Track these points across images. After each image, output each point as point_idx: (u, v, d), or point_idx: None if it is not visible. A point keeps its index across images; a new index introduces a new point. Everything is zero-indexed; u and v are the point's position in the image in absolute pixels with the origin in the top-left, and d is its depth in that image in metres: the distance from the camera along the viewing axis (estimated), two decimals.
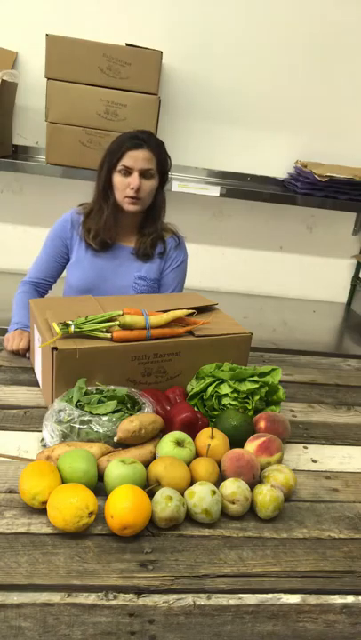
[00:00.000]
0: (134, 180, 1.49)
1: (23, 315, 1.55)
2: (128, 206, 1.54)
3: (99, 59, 1.96)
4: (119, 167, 1.50)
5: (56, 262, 1.65)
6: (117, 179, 1.52)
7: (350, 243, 2.68)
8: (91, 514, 0.86)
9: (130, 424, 1.03)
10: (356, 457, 1.20)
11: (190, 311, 1.29)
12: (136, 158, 1.48)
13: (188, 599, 0.79)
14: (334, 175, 2.16)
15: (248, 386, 1.18)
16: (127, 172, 1.50)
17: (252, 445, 1.08)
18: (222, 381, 1.20)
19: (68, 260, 1.66)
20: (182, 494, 0.93)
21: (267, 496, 0.95)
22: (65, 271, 1.68)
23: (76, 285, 1.63)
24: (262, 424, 1.15)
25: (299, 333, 2.33)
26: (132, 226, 1.62)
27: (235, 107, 2.34)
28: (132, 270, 1.62)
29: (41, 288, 1.65)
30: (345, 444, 1.25)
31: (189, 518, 0.93)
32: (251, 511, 0.97)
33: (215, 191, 2.16)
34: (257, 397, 1.20)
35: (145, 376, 1.25)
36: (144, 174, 1.50)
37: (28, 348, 1.45)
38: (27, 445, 1.09)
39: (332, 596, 0.83)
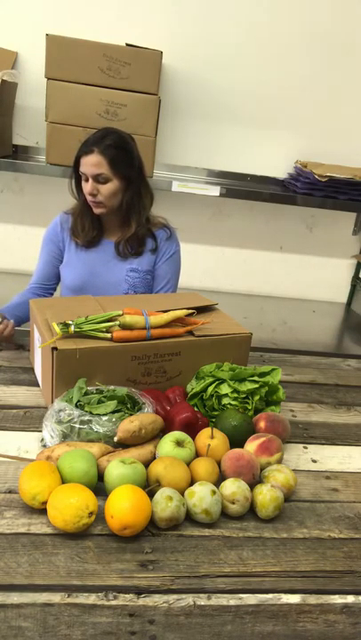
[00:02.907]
0: (88, 186, 1.50)
1: (9, 305, 1.57)
2: (94, 210, 1.56)
3: (99, 59, 1.96)
4: (80, 173, 1.52)
5: (52, 266, 1.67)
6: (82, 183, 1.54)
7: (350, 243, 2.68)
8: (91, 514, 0.86)
9: (130, 424, 1.03)
10: (356, 457, 1.20)
11: (190, 311, 1.29)
12: (86, 165, 1.48)
13: (189, 599, 0.79)
14: (334, 175, 2.16)
15: (248, 386, 1.18)
16: (86, 177, 1.51)
17: (252, 445, 1.08)
18: (222, 381, 1.20)
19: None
20: (182, 494, 0.93)
21: (267, 496, 0.95)
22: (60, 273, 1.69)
23: (70, 284, 1.64)
24: (262, 424, 1.15)
25: (299, 333, 2.33)
26: (115, 222, 1.63)
27: (235, 107, 2.34)
28: (123, 264, 1.63)
29: (40, 291, 1.67)
30: (345, 443, 1.25)
31: (189, 518, 0.93)
32: (251, 511, 0.97)
33: (215, 191, 2.16)
34: (257, 397, 1.20)
35: (145, 376, 1.25)
36: (97, 179, 1.49)
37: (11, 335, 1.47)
38: (27, 445, 1.09)
39: (332, 596, 0.83)
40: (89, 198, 1.53)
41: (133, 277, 1.62)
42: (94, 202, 1.53)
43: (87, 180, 1.50)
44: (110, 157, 1.47)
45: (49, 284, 1.68)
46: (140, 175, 1.57)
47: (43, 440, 1.09)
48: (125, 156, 1.51)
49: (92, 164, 1.47)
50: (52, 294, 1.69)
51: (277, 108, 2.36)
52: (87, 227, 1.61)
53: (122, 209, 1.57)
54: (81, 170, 1.50)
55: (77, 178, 1.56)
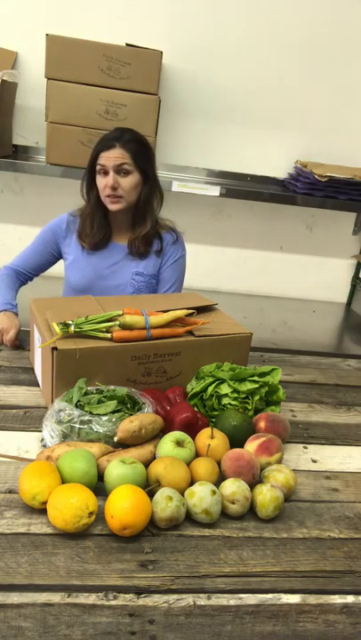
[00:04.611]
0: (110, 178, 1.50)
1: (6, 294, 1.57)
2: (111, 205, 1.55)
3: (99, 59, 1.96)
4: (97, 168, 1.52)
5: (41, 256, 1.66)
6: (98, 180, 1.54)
7: (350, 243, 2.68)
8: (91, 514, 0.86)
9: (130, 424, 1.03)
10: (356, 457, 1.20)
11: (190, 311, 1.29)
12: (108, 157, 1.49)
13: (189, 599, 0.79)
14: (334, 175, 2.16)
15: (248, 386, 1.18)
16: (104, 171, 1.51)
17: (252, 445, 1.08)
18: (222, 381, 1.20)
19: (54, 258, 1.68)
20: (182, 494, 0.93)
21: (267, 496, 0.95)
22: (64, 271, 1.69)
23: (74, 285, 1.65)
24: (262, 424, 1.15)
25: (299, 333, 2.33)
26: (125, 224, 1.63)
27: (235, 107, 2.34)
28: (128, 267, 1.63)
29: (21, 277, 1.67)
30: (345, 444, 1.25)
31: (189, 518, 0.93)
32: (251, 511, 0.97)
33: (215, 191, 2.16)
34: (257, 397, 1.20)
35: (145, 376, 1.25)
36: (119, 171, 1.50)
37: (19, 336, 1.48)
38: (27, 445, 1.09)
39: (332, 596, 0.83)
40: (107, 192, 1.52)
41: (138, 281, 1.63)
42: (114, 195, 1.53)
43: (106, 174, 1.51)
44: (132, 151, 1.50)
45: (30, 273, 1.68)
46: (155, 173, 1.59)
47: (43, 440, 1.09)
48: (145, 151, 1.55)
49: (116, 155, 1.49)
50: (27, 282, 1.69)
51: (277, 108, 2.36)
52: (96, 228, 1.60)
53: (137, 206, 1.58)
54: (101, 163, 1.50)
55: (89, 180, 1.56)
